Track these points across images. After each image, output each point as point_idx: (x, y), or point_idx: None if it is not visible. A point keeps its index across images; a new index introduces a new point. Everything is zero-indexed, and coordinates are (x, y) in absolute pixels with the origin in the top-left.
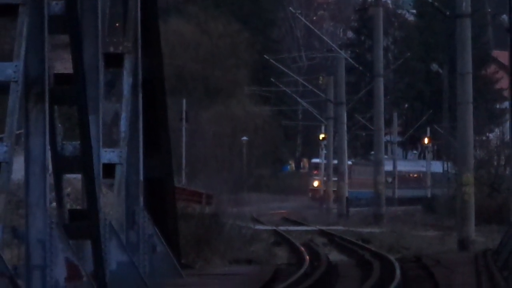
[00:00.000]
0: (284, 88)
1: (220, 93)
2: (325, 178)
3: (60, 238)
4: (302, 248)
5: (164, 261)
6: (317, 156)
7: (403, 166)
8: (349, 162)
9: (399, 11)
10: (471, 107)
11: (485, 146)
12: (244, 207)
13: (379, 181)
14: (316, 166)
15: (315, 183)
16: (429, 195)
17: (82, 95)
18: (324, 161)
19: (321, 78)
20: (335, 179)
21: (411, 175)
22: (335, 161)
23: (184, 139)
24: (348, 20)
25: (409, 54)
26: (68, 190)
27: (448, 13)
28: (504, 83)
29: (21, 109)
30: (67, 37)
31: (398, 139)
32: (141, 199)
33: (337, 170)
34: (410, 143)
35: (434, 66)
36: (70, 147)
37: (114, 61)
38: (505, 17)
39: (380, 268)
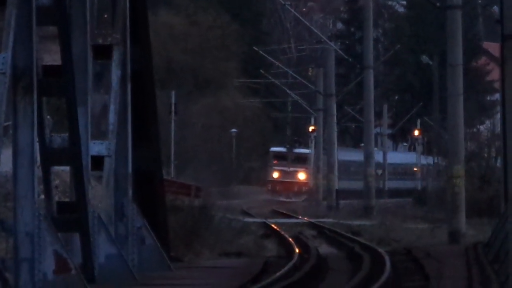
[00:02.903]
0: (274, 80)
1: (210, 85)
2: (306, 169)
3: (48, 231)
4: (292, 241)
5: (153, 254)
6: (280, 145)
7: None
8: (311, 151)
9: (389, 2)
10: (461, 99)
11: (476, 138)
12: (233, 200)
13: (369, 174)
14: (276, 156)
15: (275, 174)
16: (419, 187)
17: (70, 87)
18: (309, 152)
19: (310, 69)
20: (293, 169)
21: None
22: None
23: (173, 131)
24: (338, 11)
25: (399, 45)
26: (56, 182)
27: (438, 4)
28: (494, 75)
29: (9, 101)
30: (56, 29)
31: (388, 131)
32: (130, 191)
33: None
34: (400, 135)
35: (425, 58)
36: (59, 139)
37: (102, 52)
38: (495, 8)
39: (370, 261)
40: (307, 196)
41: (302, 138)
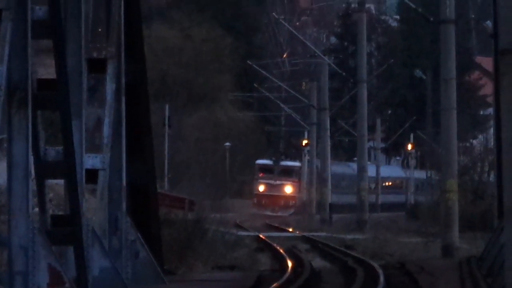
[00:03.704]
0: (267, 94)
1: (203, 98)
2: (293, 182)
3: (42, 244)
4: (285, 254)
5: (147, 267)
6: (266, 158)
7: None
8: (298, 164)
9: (383, 17)
10: (455, 113)
11: (469, 152)
12: (226, 213)
13: (363, 188)
14: (262, 168)
15: (261, 188)
16: (412, 201)
17: (65, 100)
18: (296, 164)
19: (304, 83)
20: (280, 182)
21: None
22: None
23: (167, 144)
24: (332, 25)
25: (392, 60)
26: (50, 195)
27: (432, 19)
28: (487, 89)
29: (4, 114)
30: (50, 42)
31: (382, 145)
32: (124, 204)
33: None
34: (394, 149)
35: (418, 72)
36: (53, 152)
37: (97, 66)
38: (489, 23)
39: (363, 275)
40: (295, 210)
41: (296, 152)
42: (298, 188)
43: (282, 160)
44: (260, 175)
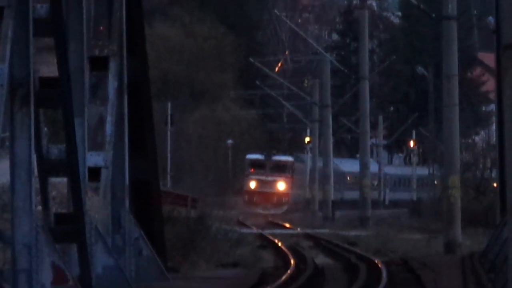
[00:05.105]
0: (269, 91)
1: (205, 96)
2: (286, 178)
3: (46, 242)
4: (288, 252)
5: (150, 265)
6: (258, 152)
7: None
8: (290, 158)
9: (385, 14)
10: (457, 109)
11: (471, 149)
12: (229, 210)
13: (365, 184)
14: (253, 164)
15: (252, 184)
16: (414, 198)
17: (67, 98)
18: (289, 159)
19: (306, 81)
20: (272, 178)
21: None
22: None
23: (169, 142)
24: (333, 22)
25: (394, 56)
26: (53, 193)
27: (434, 15)
28: (490, 85)
29: (6, 112)
30: (52, 40)
31: (384, 142)
32: (127, 202)
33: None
34: (396, 146)
35: (420, 69)
36: (56, 150)
37: (99, 64)
38: (491, 19)
39: (366, 271)
40: (288, 208)
41: (298, 149)
42: (291, 185)
43: (274, 154)
44: (251, 170)
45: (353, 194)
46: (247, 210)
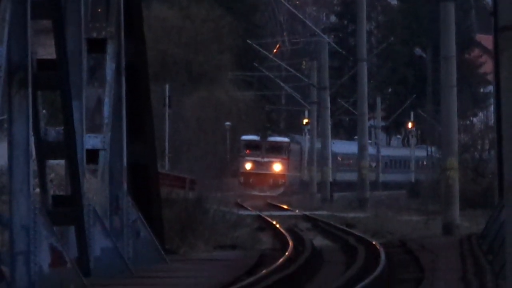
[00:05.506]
0: (267, 73)
1: (203, 78)
2: (282, 160)
3: (44, 224)
4: (286, 233)
5: (148, 247)
6: (255, 134)
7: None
8: (286, 140)
9: None
10: (455, 91)
11: (469, 130)
12: (227, 192)
13: (363, 166)
14: (248, 145)
15: (247, 166)
16: (413, 179)
17: (65, 81)
18: (285, 140)
19: (304, 62)
20: (268, 160)
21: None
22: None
23: (167, 124)
24: (331, 4)
25: (392, 38)
26: (51, 176)
27: None
28: (487, 67)
29: (4, 95)
30: (50, 23)
31: (382, 123)
32: (125, 184)
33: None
34: (394, 127)
35: (418, 51)
36: (54, 132)
37: (97, 46)
38: (488, 0)
39: (365, 253)
40: (284, 190)
41: (296, 130)
42: (287, 166)
43: (270, 135)
44: (246, 152)
45: (345, 176)
46: (243, 191)
